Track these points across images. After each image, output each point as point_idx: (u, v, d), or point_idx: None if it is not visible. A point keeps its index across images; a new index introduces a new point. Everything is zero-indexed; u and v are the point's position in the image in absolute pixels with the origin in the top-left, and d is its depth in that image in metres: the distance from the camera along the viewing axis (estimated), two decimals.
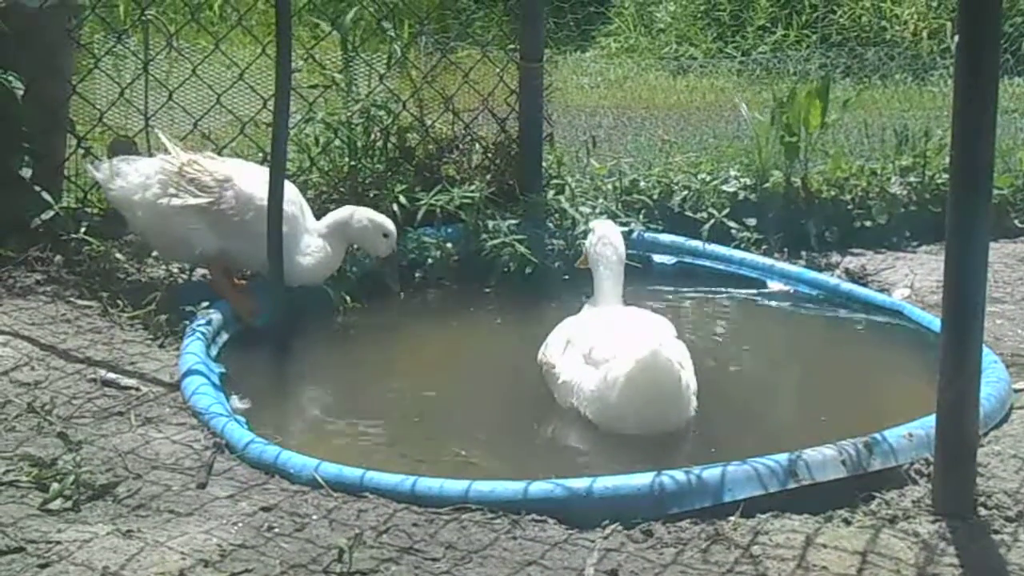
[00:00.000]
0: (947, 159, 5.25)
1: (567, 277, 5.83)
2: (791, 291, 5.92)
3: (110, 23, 6.91)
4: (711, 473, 3.63)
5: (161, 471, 3.81)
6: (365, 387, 5.02)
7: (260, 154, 5.92)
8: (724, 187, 6.48)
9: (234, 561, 3.27)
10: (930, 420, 3.66)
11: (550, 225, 6.06)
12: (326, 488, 3.69)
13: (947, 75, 10.52)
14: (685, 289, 5.99)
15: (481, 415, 4.52)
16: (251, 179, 5.19)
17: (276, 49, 4.90)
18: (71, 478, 3.61)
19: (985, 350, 3.84)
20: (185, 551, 3.29)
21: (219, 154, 5.64)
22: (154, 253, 5.57)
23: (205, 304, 5.02)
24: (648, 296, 5.69)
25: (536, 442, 4.44)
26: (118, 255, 5.47)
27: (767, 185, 6.51)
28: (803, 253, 6.33)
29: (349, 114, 6.15)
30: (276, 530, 3.45)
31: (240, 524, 3.48)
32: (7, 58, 5.43)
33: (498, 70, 6.44)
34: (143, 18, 6.23)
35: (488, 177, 6.24)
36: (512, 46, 6.43)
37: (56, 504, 3.54)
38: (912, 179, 6.68)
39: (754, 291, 5.97)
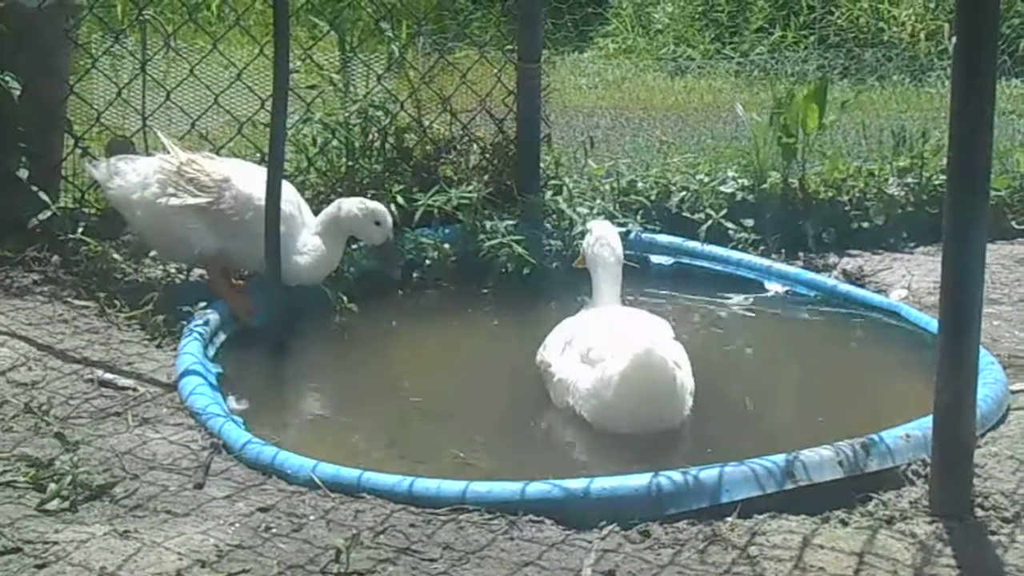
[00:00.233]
0: (944, 160, 5.25)
1: (565, 278, 5.82)
2: (788, 292, 5.92)
3: (108, 23, 6.90)
4: (708, 474, 3.63)
5: (158, 471, 3.81)
6: (362, 387, 5.02)
7: (258, 154, 5.92)
8: (722, 188, 6.48)
9: (231, 561, 3.27)
10: (927, 421, 3.66)
11: (548, 226, 6.06)
12: (323, 488, 3.69)
13: (944, 76, 10.52)
14: (682, 290, 5.98)
15: (479, 416, 4.52)
16: (250, 179, 5.19)
17: (274, 49, 4.90)
18: (68, 478, 3.61)
19: (982, 351, 3.85)
20: (182, 551, 3.29)
21: (217, 154, 5.64)
22: (152, 253, 5.57)
23: (202, 304, 5.02)
24: (645, 297, 5.69)
25: (533, 443, 4.44)
26: (115, 255, 5.47)
27: (765, 186, 6.51)
28: (800, 254, 6.33)
29: (347, 114, 6.15)
30: (273, 530, 3.45)
31: (237, 524, 3.48)
32: (4, 58, 5.44)
33: (496, 71, 6.44)
34: (141, 18, 6.23)
35: (486, 178, 6.24)
36: (510, 47, 6.43)
37: (53, 504, 3.53)
38: (909, 180, 6.68)
39: (751, 292, 5.97)
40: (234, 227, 5.15)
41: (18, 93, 5.39)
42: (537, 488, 3.60)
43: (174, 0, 9.00)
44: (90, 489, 3.62)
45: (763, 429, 4.46)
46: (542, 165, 6.33)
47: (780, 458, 3.69)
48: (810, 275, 5.96)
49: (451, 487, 3.63)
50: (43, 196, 5.41)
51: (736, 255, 6.13)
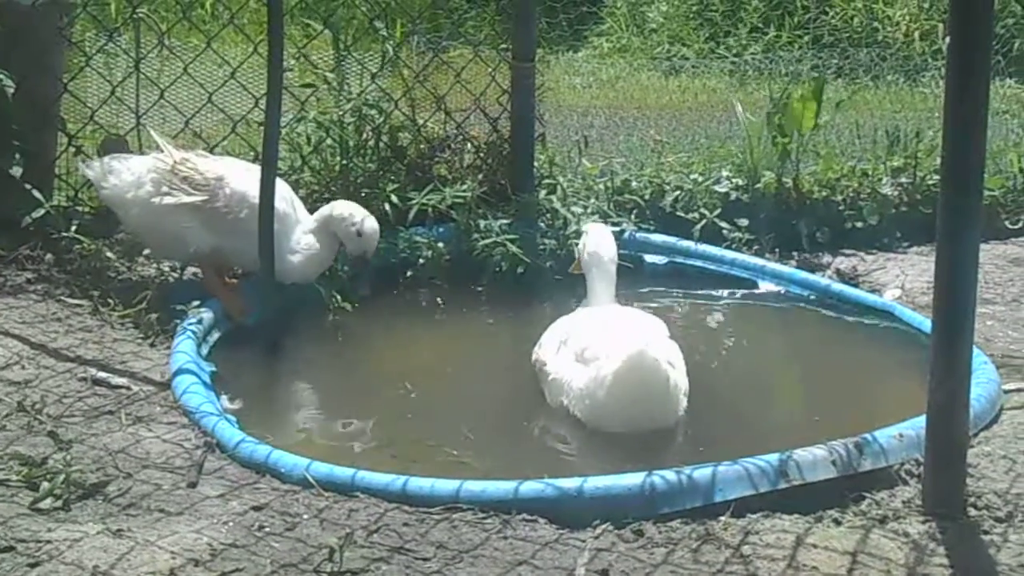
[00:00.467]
0: (938, 160, 5.25)
1: (559, 277, 5.82)
2: (782, 292, 5.92)
3: (101, 21, 6.89)
4: (702, 473, 3.63)
5: (151, 470, 3.81)
6: (356, 386, 5.02)
7: (252, 153, 5.92)
8: (716, 187, 6.48)
9: (224, 560, 3.27)
10: (920, 421, 3.67)
11: (542, 225, 6.05)
12: (317, 487, 3.69)
13: (939, 76, 10.52)
14: (676, 289, 5.99)
15: (472, 415, 4.52)
16: (244, 177, 5.19)
17: (268, 48, 4.90)
18: (61, 477, 3.61)
19: (975, 351, 3.85)
20: (175, 550, 3.29)
21: (211, 152, 5.63)
22: (145, 252, 5.57)
23: (196, 303, 5.02)
24: (640, 296, 5.70)
25: (527, 442, 4.44)
26: (109, 254, 5.46)
27: (759, 186, 6.51)
28: (794, 254, 6.33)
29: (341, 113, 6.14)
30: (267, 529, 3.45)
31: (231, 523, 3.48)
32: None
33: (490, 70, 6.44)
34: (134, 16, 6.22)
35: (480, 177, 6.24)
36: (504, 46, 6.42)
37: (46, 503, 3.53)
38: (903, 180, 6.68)
39: (745, 291, 5.97)
40: (228, 225, 5.14)
41: (12, 91, 5.39)
42: (531, 487, 3.60)
43: None
44: (83, 488, 3.62)
45: (756, 428, 4.46)
46: (536, 164, 6.33)
47: (773, 457, 3.70)
48: (804, 275, 5.96)
49: (445, 486, 3.63)
50: (37, 194, 5.40)
51: (730, 255, 6.13)
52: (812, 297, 5.82)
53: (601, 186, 6.46)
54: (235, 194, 5.16)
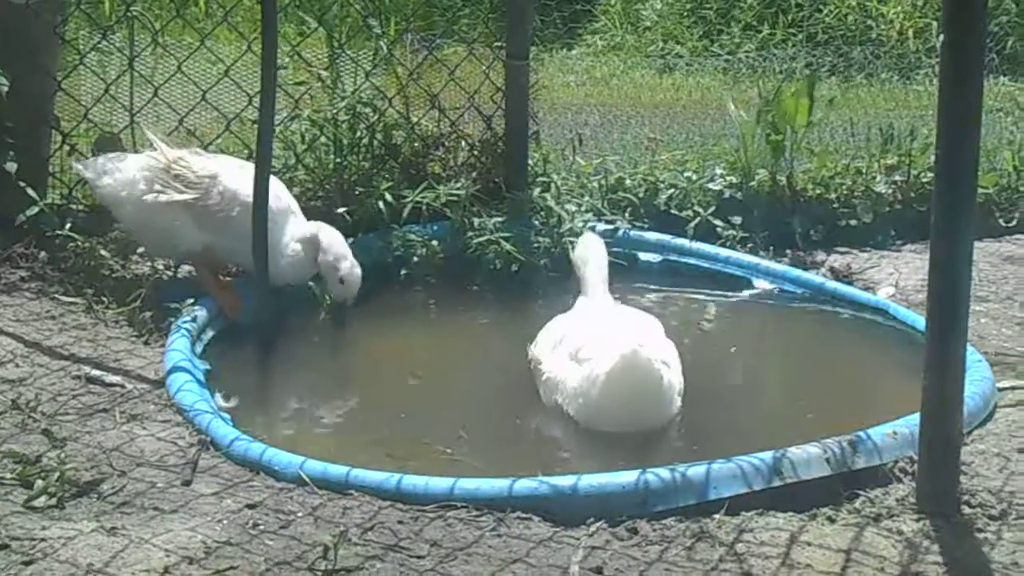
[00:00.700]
0: (932, 158, 5.25)
1: (553, 275, 5.82)
2: (776, 289, 5.92)
3: (95, 19, 6.89)
4: (696, 471, 3.63)
5: (146, 468, 3.81)
6: (350, 384, 5.02)
7: (246, 151, 5.91)
8: (710, 185, 6.48)
9: (219, 558, 3.27)
10: (914, 418, 3.67)
11: (536, 223, 6.05)
12: (311, 485, 3.69)
13: (932, 74, 10.53)
14: (670, 287, 5.98)
15: (467, 413, 4.52)
16: (237, 176, 5.19)
17: (262, 46, 4.89)
18: (55, 475, 3.60)
19: (969, 349, 3.86)
20: (170, 548, 3.29)
21: (205, 150, 5.63)
22: (139, 250, 5.56)
23: (190, 301, 5.01)
24: (634, 294, 5.69)
25: (522, 440, 4.44)
26: (103, 252, 5.46)
27: (753, 184, 6.51)
28: (788, 251, 6.33)
29: (335, 111, 6.14)
30: (261, 527, 3.45)
31: (225, 521, 3.48)
32: None
33: (484, 68, 6.43)
34: (128, 14, 6.21)
35: (474, 175, 6.24)
36: (498, 44, 6.42)
37: (40, 501, 3.53)
38: (897, 178, 6.68)
39: (739, 289, 5.97)
40: (220, 223, 5.14)
41: (5, 89, 5.38)
42: (525, 485, 3.60)
43: None
44: (77, 486, 3.62)
45: (751, 426, 4.46)
46: (530, 162, 6.33)
47: (768, 455, 3.70)
48: (798, 272, 5.97)
49: (439, 484, 3.63)
50: (31, 192, 5.39)
51: (724, 252, 6.13)
52: (806, 295, 5.83)
53: (595, 184, 6.46)
54: (227, 192, 5.15)
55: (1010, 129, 8.28)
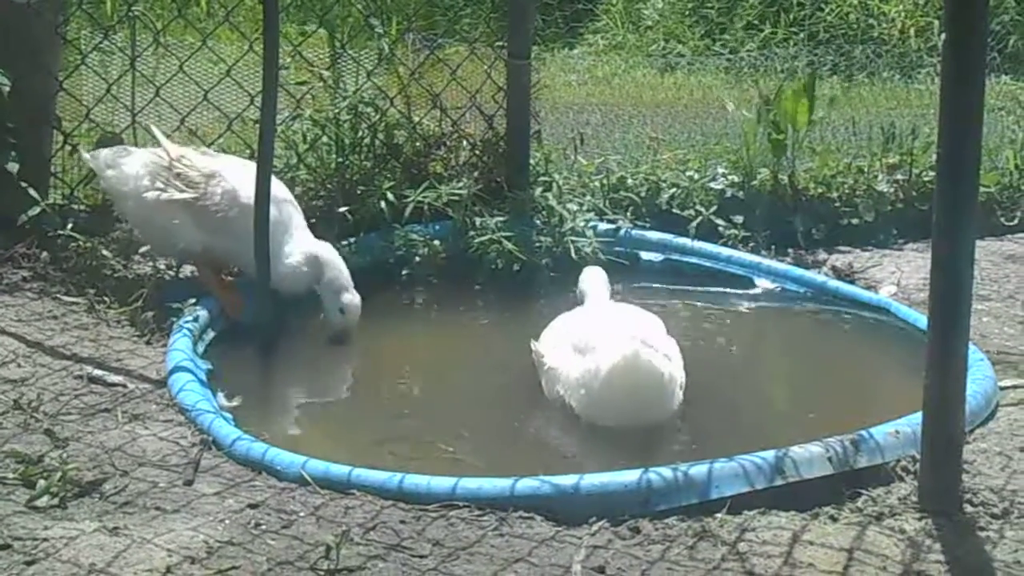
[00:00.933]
0: (934, 157, 5.25)
1: (555, 274, 5.82)
2: (778, 288, 5.92)
3: (97, 19, 6.89)
4: (698, 470, 3.63)
5: (148, 468, 3.81)
6: (352, 384, 5.02)
7: (247, 151, 5.91)
8: (711, 184, 6.48)
9: (221, 558, 3.27)
10: (916, 417, 3.67)
11: (538, 222, 6.04)
12: (313, 485, 3.69)
13: (934, 73, 10.53)
14: (672, 286, 5.98)
15: (469, 412, 4.52)
16: (238, 175, 5.18)
17: (263, 45, 4.89)
18: (58, 475, 3.60)
19: (971, 347, 3.85)
20: (172, 548, 3.29)
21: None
22: (141, 250, 5.56)
23: (192, 301, 5.01)
24: (635, 293, 5.69)
25: (523, 439, 4.44)
26: (105, 252, 5.45)
27: (754, 183, 6.51)
28: (790, 250, 6.33)
29: (336, 111, 6.14)
30: (263, 527, 3.45)
31: (227, 521, 3.48)
32: None
33: (486, 67, 6.43)
34: (130, 14, 6.22)
35: (476, 174, 6.23)
36: (500, 43, 6.42)
37: (42, 501, 3.53)
38: (899, 177, 6.68)
39: (741, 288, 5.97)
40: (218, 223, 5.14)
41: (7, 89, 5.38)
42: (527, 484, 3.60)
43: None
44: (79, 486, 3.62)
45: (753, 425, 4.46)
46: (532, 162, 6.32)
47: (770, 454, 3.70)
48: (800, 271, 5.97)
49: (441, 484, 3.63)
50: (32, 192, 5.40)
51: (726, 252, 6.13)
52: (808, 294, 5.83)
53: (597, 183, 6.46)
54: (226, 192, 5.15)
55: (1012, 128, 8.26)
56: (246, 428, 4.09)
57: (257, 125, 5.10)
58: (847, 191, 6.60)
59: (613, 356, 4.20)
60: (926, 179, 6.60)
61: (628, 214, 6.29)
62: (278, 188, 5.17)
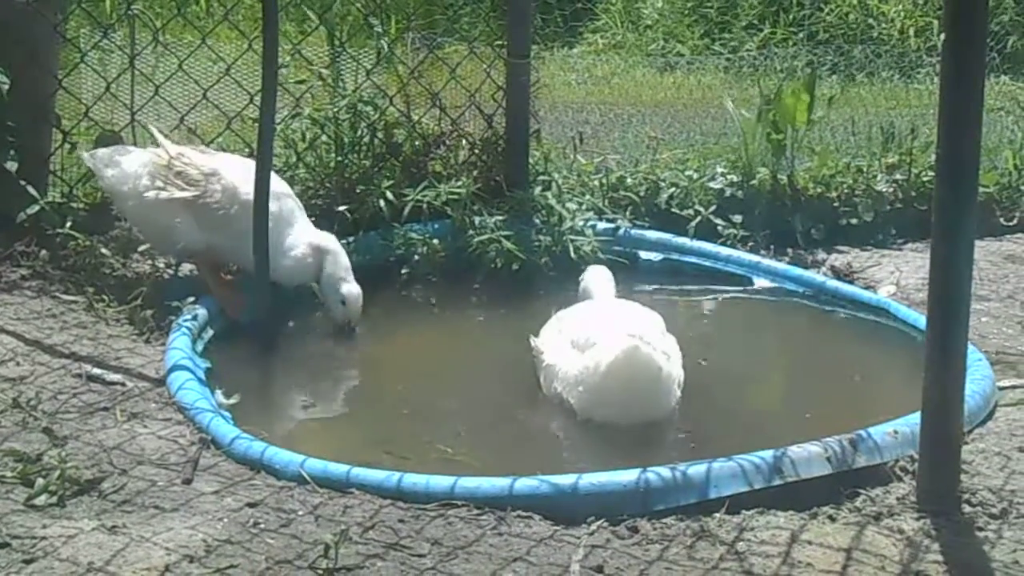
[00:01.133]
0: (933, 157, 5.25)
1: (554, 273, 5.82)
2: (777, 288, 5.93)
3: (96, 17, 6.88)
4: (696, 470, 3.63)
5: (146, 467, 3.81)
6: (351, 383, 5.02)
7: (247, 149, 5.92)
8: (711, 184, 6.48)
9: (219, 556, 3.27)
10: (915, 417, 3.68)
11: (537, 221, 6.05)
12: (312, 484, 3.69)
13: (933, 73, 10.53)
14: (671, 286, 5.99)
15: (468, 412, 4.52)
16: (238, 173, 5.18)
17: (262, 44, 4.89)
18: (56, 473, 3.60)
19: (970, 348, 3.86)
20: (170, 546, 3.29)
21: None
22: (140, 248, 5.56)
23: (191, 299, 5.01)
24: (634, 293, 5.69)
25: (522, 438, 4.44)
26: (104, 250, 5.45)
27: (753, 182, 6.51)
28: (789, 250, 6.34)
29: (336, 110, 6.14)
30: (262, 526, 3.45)
31: (225, 520, 3.48)
32: None
33: (485, 66, 6.43)
34: (129, 12, 6.21)
35: (475, 173, 6.24)
36: (499, 42, 6.42)
37: (41, 500, 3.53)
38: (898, 177, 6.68)
39: (740, 288, 5.97)
40: (219, 221, 5.14)
41: (6, 87, 5.38)
42: (525, 484, 3.60)
43: None
44: (78, 484, 3.62)
45: (751, 425, 4.46)
46: (531, 161, 6.33)
47: (768, 454, 3.70)
48: (799, 271, 5.97)
49: (440, 483, 3.63)
50: (31, 191, 5.40)
51: (725, 251, 6.14)
52: (807, 294, 5.83)
53: (596, 183, 6.46)
54: (226, 190, 5.15)
55: (1011, 128, 8.27)
56: (245, 427, 4.09)
57: (256, 124, 5.09)
58: (846, 191, 6.60)
59: (611, 353, 4.20)
60: (925, 179, 6.59)
61: (627, 213, 6.29)
62: (277, 183, 5.17)
